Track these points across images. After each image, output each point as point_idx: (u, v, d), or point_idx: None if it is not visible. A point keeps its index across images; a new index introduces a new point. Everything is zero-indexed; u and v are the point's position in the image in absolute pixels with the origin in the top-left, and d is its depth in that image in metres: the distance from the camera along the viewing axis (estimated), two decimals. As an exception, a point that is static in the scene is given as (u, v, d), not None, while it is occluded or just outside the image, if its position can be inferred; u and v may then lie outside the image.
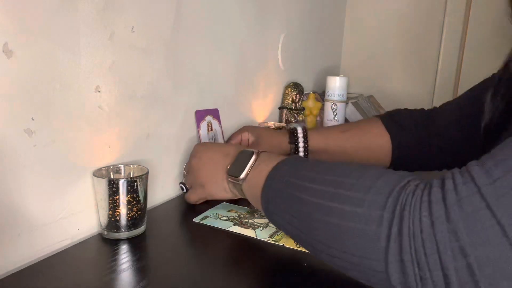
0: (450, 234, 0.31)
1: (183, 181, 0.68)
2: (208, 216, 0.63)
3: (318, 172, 0.43)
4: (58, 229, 0.52)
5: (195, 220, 0.61)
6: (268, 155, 0.53)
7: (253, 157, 0.53)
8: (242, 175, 0.53)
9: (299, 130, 0.79)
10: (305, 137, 0.78)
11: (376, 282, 0.36)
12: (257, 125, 1.01)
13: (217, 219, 0.62)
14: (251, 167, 0.52)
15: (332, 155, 0.78)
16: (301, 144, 0.78)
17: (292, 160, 0.49)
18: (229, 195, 0.60)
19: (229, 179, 0.56)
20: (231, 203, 0.69)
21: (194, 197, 0.65)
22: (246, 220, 0.62)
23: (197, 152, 0.65)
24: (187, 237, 0.58)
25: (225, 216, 0.63)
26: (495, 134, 0.53)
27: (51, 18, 0.48)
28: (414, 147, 0.73)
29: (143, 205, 0.55)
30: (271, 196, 0.46)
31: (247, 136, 0.80)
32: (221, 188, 0.60)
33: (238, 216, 0.63)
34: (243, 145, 0.80)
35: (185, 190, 0.67)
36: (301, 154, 0.78)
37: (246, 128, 0.81)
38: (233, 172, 0.55)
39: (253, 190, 0.51)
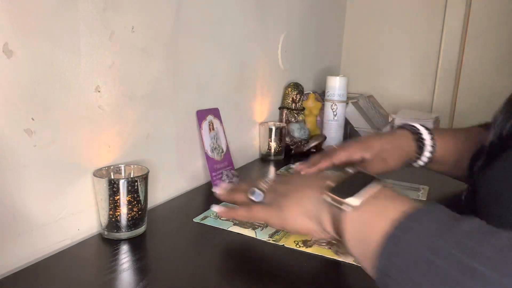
0: None
1: (261, 189, 0.51)
2: (208, 216, 0.63)
3: (482, 243, 0.30)
4: (58, 229, 0.52)
5: (195, 220, 0.61)
6: (393, 191, 0.39)
7: (376, 184, 0.39)
8: (356, 201, 0.38)
9: (427, 136, 0.65)
10: (433, 146, 0.65)
11: None
12: (257, 125, 1.01)
13: (217, 219, 0.62)
14: (372, 196, 0.38)
15: (448, 166, 0.67)
16: (426, 154, 0.66)
17: (437, 213, 0.34)
18: (308, 225, 0.43)
19: (328, 199, 0.40)
20: (229, 204, 0.68)
21: (258, 215, 0.49)
22: (246, 220, 0.62)
23: (292, 179, 0.51)
24: (187, 237, 0.58)
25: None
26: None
27: (51, 18, 0.48)
28: None
29: (143, 205, 0.55)
30: (400, 254, 0.32)
31: (359, 154, 0.64)
32: (303, 212, 0.44)
33: (238, 216, 0.63)
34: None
35: (256, 198, 0.50)
36: (424, 160, 0.66)
37: (352, 144, 0.65)
38: (340, 190, 0.40)
39: (363, 229, 0.36)
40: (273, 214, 0.47)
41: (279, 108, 1.11)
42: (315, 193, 0.43)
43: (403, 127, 0.69)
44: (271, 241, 0.55)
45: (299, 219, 0.44)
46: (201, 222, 0.61)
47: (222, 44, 0.82)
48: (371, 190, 0.38)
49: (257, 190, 0.50)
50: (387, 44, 1.59)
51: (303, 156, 1.05)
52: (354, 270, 0.48)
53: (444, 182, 0.75)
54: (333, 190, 0.40)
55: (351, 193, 0.38)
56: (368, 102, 1.36)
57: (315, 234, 0.43)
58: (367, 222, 0.36)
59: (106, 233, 0.54)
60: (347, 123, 1.19)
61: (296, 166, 0.67)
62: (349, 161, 0.64)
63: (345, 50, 1.68)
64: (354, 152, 0.64)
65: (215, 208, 0.53)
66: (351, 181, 0.41)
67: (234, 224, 0.60)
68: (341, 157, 0.63)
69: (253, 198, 0.50)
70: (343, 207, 0.38)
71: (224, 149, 0.82)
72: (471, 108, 1.49)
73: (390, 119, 1.33)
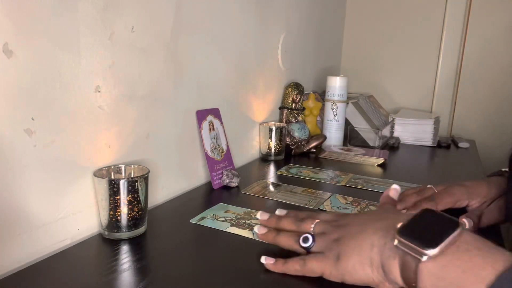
0: None
1: (310, 232, 0.47)
2: (205, 217, 0.63)
3: None
4: (58, 229, 0.52)
5: (192, 221, 0.61)
6: (478, 238, 0.34)
7: (457, 229, 0.34)
8: (436, 251, 0.33)
9: None
10: None
11: None
12: (257, 125, 1.01)
13: (214, 220, 0.62)
14: (453, 244, 0.33)
15: None
16: None
17: None
18: (370, 276, 0.38)
19: (401, 245, 0.35)
20: (228, 204, 0.68)
21: (314, 268, 0.43)
22: (243, 221, 0.61)
23: (346, 219, 0.46)
24: (188, 237, 0.58)
25: (222, 217, 0.63)
26: None
27: (51, 18, 0.48)
28: None
29: (143, 205, 0.55)
30: None
31: (466, 202, 0.60)
32: (364, 260, 0.39)
33: (235, 217, 0.63)
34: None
35: (306, 244, 0.46)
36: None
37: (457, 189, 0.60)
38: (413, 235, 0.35)
39: (446, 286, 0.32)
40: (330, 264, 0.41)
41: (279, 108, 1.11)
42: (378, 237, 0.38)
43: (502, 174, 0.64)
44: (271, 241, 0.55)
45: (360, 268, 0.39)
46: (197, 223, 0.61)
47: (222, 44, 0.82)
48: (451, 236, 0.33)
49: (310, 237, 0.45)
50: (387, 44, 1.59)
51: (303, 156, 1.05)
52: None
53: (444, 174, 0.75)
54: (406, 235, 0.35)
55: (428, 239, 0.33)
56: (368, 102, 1.36)
57: (381, 286, 0.38)
58: (452, 280, 0.32)
59: (106, 233, 0.54)
60: (347, 123, 1.20)
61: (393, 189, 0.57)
62: (453, 208, 0.60)
63: (345, 50, 1.68)
64: (460, 198, 0.60)
65: (264, 260, 0.47)
66: (423, 223, 0.36)
67: (232, 225, 0.60)
68: (446, 203, 0.59)
69: (306, 245, 0.45)
70: (421, 257, 0.33)
71: (224, 149, 0.82)
72: (471, 108, 1.49)
73: (390, 119, 1.33)
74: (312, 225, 0.47)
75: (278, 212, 0.53)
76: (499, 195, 0.61)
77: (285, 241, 0.48)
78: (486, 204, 0.61)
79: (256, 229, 0.52)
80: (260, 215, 0.53)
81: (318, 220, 0.47)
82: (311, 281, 0.45)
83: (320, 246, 0.44)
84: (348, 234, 0.42)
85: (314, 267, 0.43)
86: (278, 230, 0.50)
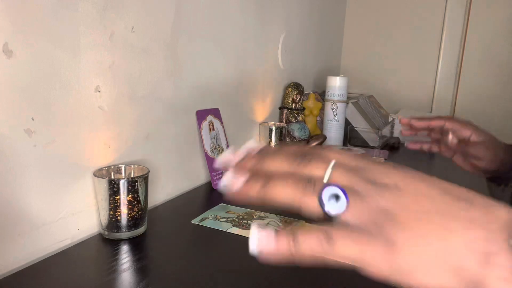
0: None
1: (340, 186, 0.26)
2: (206, 218, 0.63)
3: None
4: (58, 229, 0.52)
5: (193, 221, 0.61)
6: None
7: None
8: None
9: None
10: None
11: None
12: (257, 125, 1.01)
13: (215, 220, 0.62)
14: None
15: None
16: None
17: None
18: (447, 285, 0.22)
19: None
20: (228, 204, 0.68)
21: (344, 250, 0.24)
22: (245, 221, 0.61)
23: (399, 178, 0.25)
24: (187, 237, 0.58)
25: (224, 218, 0.63)
26: None
27: (51, 18, 0.48)
28: None
29: (143, 205, 0.55)
30: None
31: (469, 131, 0.63)
32: (442, 264, 0.22)
33: (237, 217, 0.63)
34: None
35: (334, 204, 0.24)
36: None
37: (464, 122, 0.64)
38: None
39: None
40: (378, 251, 0.23)
41: (279, 108, 1.11)
42: (477, 238, 0.22)
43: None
44: (271, 241, 0.55)
45: (435, 274, 0.22)
46: (199, 224, 0.61)
47: (222, 44, 0.82)
48: None
49: (340, 192, 0.24)
50: (387, 44, 1.59)
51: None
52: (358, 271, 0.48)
53: (444, 178, 0.74)
54: None
55: None
56: (368, 102, 1.36)
57: None
58: None
59: (106, 233, 0.54)
60: (347, 123, 1.20)
61: (400, 118, 0.64)
62: (457, 134, 0.63)
63: (345, 50, 1.68)
64: (467, 127, 0.63)
65: (254, 234, 0.28)
66: None
67: (233, 226, 0.60)
68: (454, 122, 0.63)
69: (331, 211, 0.24)
70: None
71: (224, 149, 0.82)
72: (471, 108, 1.49)
73: (390, 119, 1.33)
74: (327, 171, 0.25)
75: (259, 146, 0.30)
76: (503, 150, 0.62)
77: (286, 191, 0.26)
78: (485, 144, 0.63)
79: (225, 180, 0.29)
80: (232, 154, 0.30)
81: (335, 161, 0.26)
82: (315, 283, 0.45)
83: (358, 213, 0.24)
84: (408, 208, 0.24)
85: (349, 251, 0.24)
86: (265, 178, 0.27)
